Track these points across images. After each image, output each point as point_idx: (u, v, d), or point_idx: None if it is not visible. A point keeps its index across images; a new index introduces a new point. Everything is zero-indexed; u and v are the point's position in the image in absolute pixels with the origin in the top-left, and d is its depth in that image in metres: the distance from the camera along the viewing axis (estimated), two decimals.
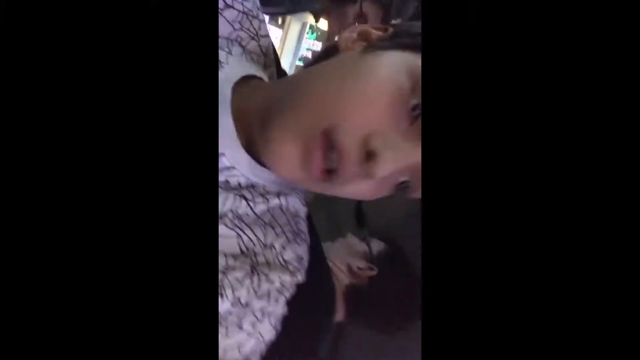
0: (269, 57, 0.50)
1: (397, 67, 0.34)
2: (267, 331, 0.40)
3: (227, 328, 0.38)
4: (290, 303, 0.42)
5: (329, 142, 0.32)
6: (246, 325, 0.39)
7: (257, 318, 0.40)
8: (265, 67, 0.50)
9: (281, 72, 0.52)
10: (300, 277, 0.43)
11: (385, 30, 0.41)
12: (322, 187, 0.36)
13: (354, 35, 0.42)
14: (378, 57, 0.35)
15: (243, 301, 0.39)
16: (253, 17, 0.48)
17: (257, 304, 0.40)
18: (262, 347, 0.40)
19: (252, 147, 0.41)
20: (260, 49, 0.49)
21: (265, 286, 0.41)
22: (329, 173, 0.34)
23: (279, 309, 0.42)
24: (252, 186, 0.42)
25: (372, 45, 0.39)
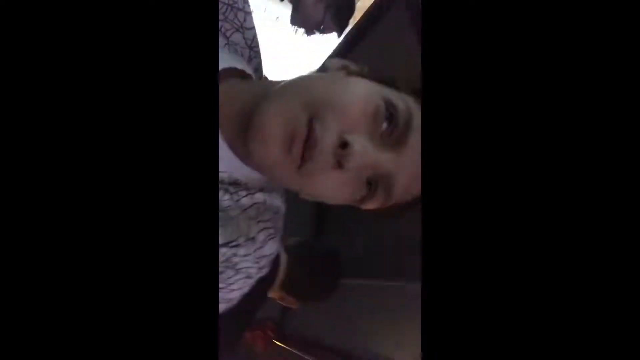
0: (254, 50, 0.49)
1: (377, 92, 0.39)
2: None
3: None
4: (245, 295, 0.46)
5: (310, 132, 0.36)
6: None
7: None
8: (249, 59, 0.49)
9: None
10: (265, 272, 0.46)
11: (362, 69, 0.46)
12: (295, 178, 0.38)
13: (339, 65, 0.46)
14: (362, 81, 0.41)
15: None
16: (238, 9, 0.48)
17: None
18: None
19: (234, 145, 0.42)
20: (245, 41, 0.48)
21: (228, 273, 0.43)
22: (305, 161, 0.37)
23: (232, 296, 0.45)
24: (235, 183, 0.44)
25: (354, 73, 0.43)
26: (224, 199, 0.42)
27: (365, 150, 0.36)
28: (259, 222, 0.44)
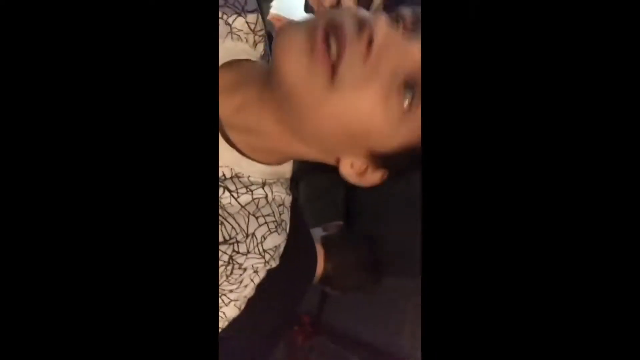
0: (258, 33, 0.48)
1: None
2: (230, 311, 0.45)
3: None
4: (259, 285, 0.45)
5: (331, 31, 0.35)
6: None
7: (223, 302, 0.43)
8: (255, 44, 0.49)
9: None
10: (273, 264, 0.45)
11: None
12: (326, 97, 0.35)
13: None
14: None
15: None
16: None
17: (226, 287, 0.43)
18: (224, 323, 0.45)
19: (236, 138, 0.42)
20: (248, 25, 0.47)
21: (237, 273, 0.43)
22: (335, 66, 0.34)
23: (247, 291, 0.45)
24: (236, 176, 0.43)
25: None
26: (224, 196, 0.42)
27: (388, 30, 0.35)
28: (258, 217, 0.44)
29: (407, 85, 0.35)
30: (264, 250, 0.44)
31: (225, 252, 0.42)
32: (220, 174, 0.43)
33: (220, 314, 0.44)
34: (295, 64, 0.35)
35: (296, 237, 0.49)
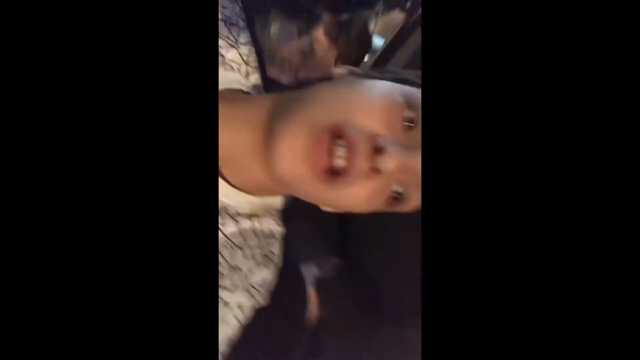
0: (251, 65, 0.47)
1: (396, 89, 0.38)
2: None
3: None
4: (244, 326, 0.42)
5: (338, 137, 0.35)
6: None
7: None
8: (247, 75, 0.47)
9: (266, 77, 0.49)
10: (261, 301, 0.43)
11: (368, 72, 0.46)
12: (326, 192, 0.36)
13: (345, 71, 0.44)
14: (377, 81, 0.39)
15: None
16: (232, 24, 0.47)
17: None
18: None
19: (225, 169, 0.41)
20: (241, 56, 0.47)
21: (221, 311, 0.41)
22: (334, 175, 0.35)
23: (230, 331, 0.41)
24: (223, 208, 0.42)
25: (363, 76, 0.42)
26: None
27: (399, 152, 0.35)
28: (243, 248, 0.42)
29: (397, 196, 0.37)
30: (251, 285, 0.42)
31: None
32: None
33: None
34: (293, 167, 0.35)
35: (287, 273, 0.47)
